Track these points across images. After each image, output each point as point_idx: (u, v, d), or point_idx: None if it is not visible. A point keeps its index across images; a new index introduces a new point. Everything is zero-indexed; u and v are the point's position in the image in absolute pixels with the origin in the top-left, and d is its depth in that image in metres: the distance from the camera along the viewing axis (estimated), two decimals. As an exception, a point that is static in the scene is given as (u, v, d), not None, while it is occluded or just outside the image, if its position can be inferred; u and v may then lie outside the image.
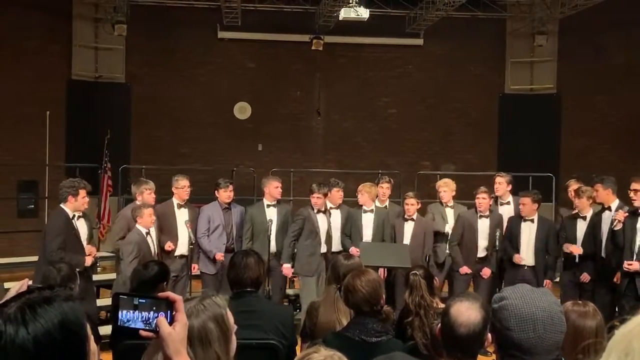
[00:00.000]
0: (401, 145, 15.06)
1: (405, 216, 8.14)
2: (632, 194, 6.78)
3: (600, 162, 13.65)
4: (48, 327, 1.35)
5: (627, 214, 6.87)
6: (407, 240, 8.04)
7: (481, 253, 7.98)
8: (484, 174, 11.88)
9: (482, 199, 7.89)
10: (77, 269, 6.32)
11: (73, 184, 6.76)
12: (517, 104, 15.00)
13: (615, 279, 7.08)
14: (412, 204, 8.07)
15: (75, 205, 6.68)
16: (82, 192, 6.69)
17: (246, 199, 10.45)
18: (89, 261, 6.71)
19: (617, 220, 6.88)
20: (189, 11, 14.37)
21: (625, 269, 6.70)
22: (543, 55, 14.90)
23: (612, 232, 7.03)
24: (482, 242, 7.96)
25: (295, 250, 7.98)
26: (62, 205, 6.71)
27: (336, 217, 8.17)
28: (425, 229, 8.09)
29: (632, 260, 6.67)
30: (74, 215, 6.69)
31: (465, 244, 7.97)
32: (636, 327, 1.10)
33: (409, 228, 8.10)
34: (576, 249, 7.40)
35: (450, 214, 8.36)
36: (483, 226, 7.95)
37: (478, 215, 7.96)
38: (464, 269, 7.92)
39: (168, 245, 7.57)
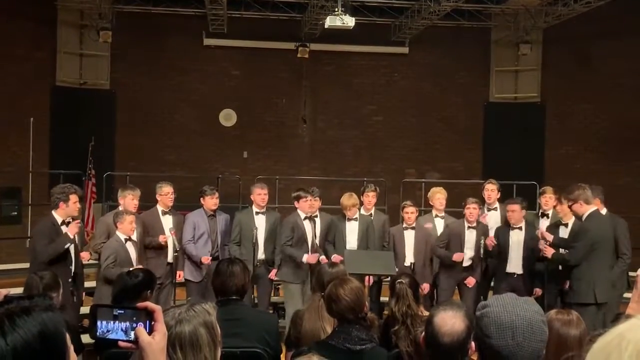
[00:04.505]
0: (386, 152, 15.09)
1: (405, 225, 8.13)
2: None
3: (583, 170, 13.75)
4: (27, 337, 1.33)
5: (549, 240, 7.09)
6: (409, 248, 8.03)
7: (466, 262, 7.95)
8: (469, 182, 11.93)
9: (473, 209, 7.89)
10: (67, 246, 6.35)
11: (63, 190, 6.70)
12: (502, 113, 15.09)
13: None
14: (412, 212, 8.06)
15: (66, 211, 6.62)
16: (73, 197, 6.64)
17: (232, 206, 10.42)
18: (73, 230, 6.54)
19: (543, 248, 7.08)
20: (174, 18, 14.33)
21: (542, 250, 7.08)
22: (527, 64, 15.00)
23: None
24: (469, 252, 7.92)
25: (281, 257, 7.95)
26: (52, 212, 6.66)
27: (317, 223, 8.13)
28: (427, 237, 8.09)
29: None
30: (64, 222, 6.63)
31: (451, 253, 7.96)
32: (614, 339, 1.10)
33: (409, 236, 8.08)
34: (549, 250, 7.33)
35: (440, 224, 8.36)
36: (470, 236, 7.92)
37: (466, 226, 7.95)
38: (457, 256, 7.78)
39: (162, 238, 7.56)
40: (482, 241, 7.75)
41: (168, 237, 7.65)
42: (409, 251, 8.03)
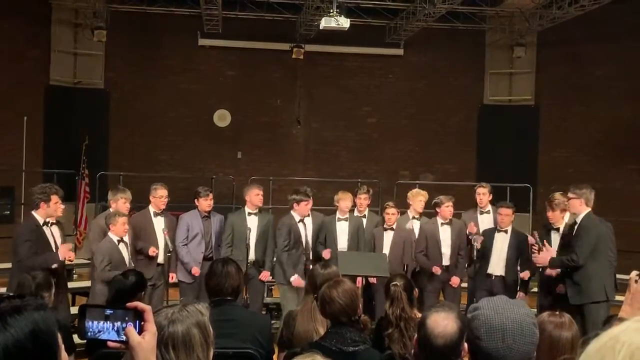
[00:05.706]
0: (381, 154, 15.10)
1: (385, 225, 8.13)
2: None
3: (577, 173, 13.77)
4: (18, 336, 1.33)
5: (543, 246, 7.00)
6: (386, 249, 8.02)
7: (446, 261, 7.97)
8: (463, 184, 11.94)
9: (452, 207, 7.96)
10: (54, 266, 6.29)
11: (44, 189, 6.59)
12: (496, 115, 15.12)
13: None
14: (392, 214, 8.07)
15: (47, 212, 6.51)
16: (54, 198, 6.53)
17: (225, 207, 10.41)
18: (64, 254, 6.49)
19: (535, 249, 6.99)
20: (169, 18, 14.32)
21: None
22: (522, 67, 15.03)
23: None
24: (446, 250, 7.96)
25: (275, 259, 7.94)
26: (33, 212, 6.56)
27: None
28: (405, 239, 8.10)
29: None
30: (46, 222, 6.56)
31: (430, 254, 7.95)
32: (609, 341, 1.09)
33: (388, 237, 8.09)
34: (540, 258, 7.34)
35: (417, 225, 8.36)
36: (445, 234, 7.96)
37: (439, 222, 7.99)
38: (437, 268, 7.83)
39: (152, 250, 7.53)
40: (475, 240, 7.75)
41: (161, 238, 7.65)
42: (386, 252, 8.02)
